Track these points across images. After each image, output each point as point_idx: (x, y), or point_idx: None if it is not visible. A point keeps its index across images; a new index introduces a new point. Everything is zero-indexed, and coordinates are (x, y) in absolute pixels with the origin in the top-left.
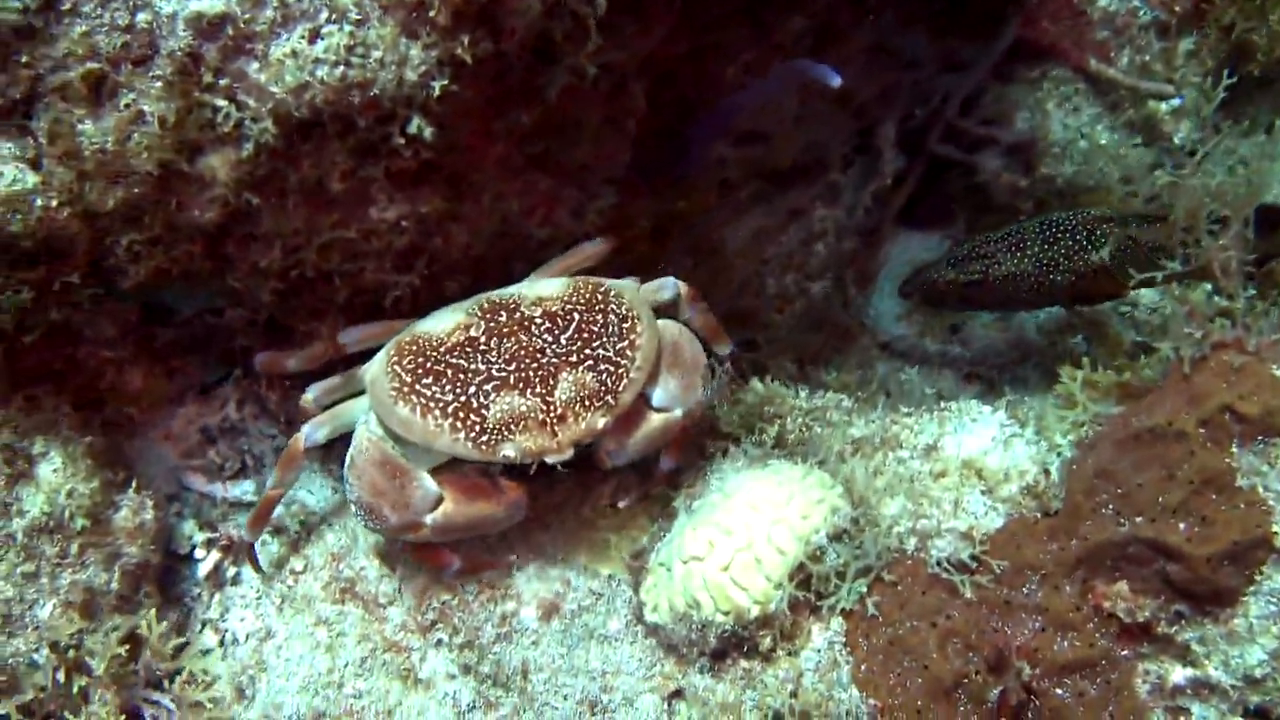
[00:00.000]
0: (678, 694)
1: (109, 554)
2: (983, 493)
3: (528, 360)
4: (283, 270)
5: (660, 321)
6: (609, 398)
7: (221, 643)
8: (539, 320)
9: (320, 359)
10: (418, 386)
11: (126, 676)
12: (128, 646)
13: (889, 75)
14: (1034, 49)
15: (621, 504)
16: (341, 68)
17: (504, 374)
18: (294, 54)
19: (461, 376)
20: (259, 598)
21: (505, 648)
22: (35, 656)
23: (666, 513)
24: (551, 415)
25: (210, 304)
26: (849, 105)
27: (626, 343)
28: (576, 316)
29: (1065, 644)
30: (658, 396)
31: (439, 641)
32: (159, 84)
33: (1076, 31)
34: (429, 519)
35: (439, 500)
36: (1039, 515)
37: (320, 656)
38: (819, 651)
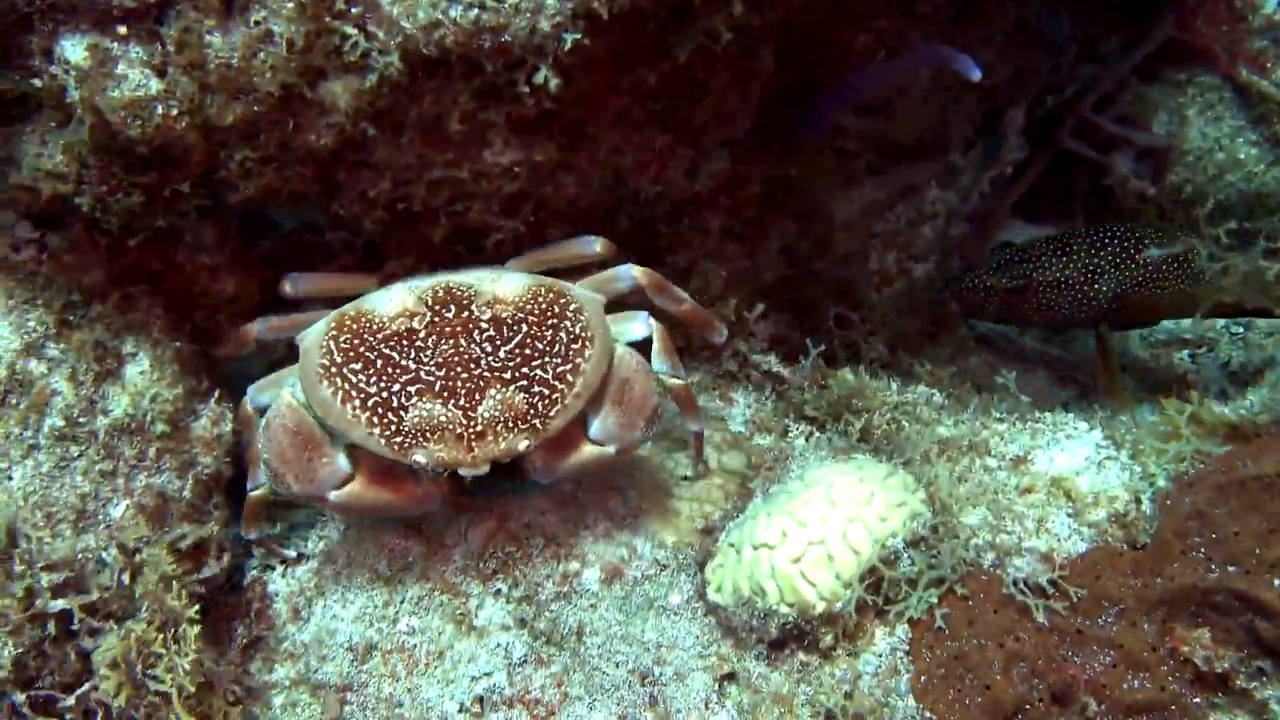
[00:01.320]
0: (730, 677)
1: (184, 461)
2: (1069, 515)
3: (459, 369)
4: (390, 201)
5: (620, 350)
6: (536, 422)
7: (283, 560)
8: (485, 325)
9: (354, 291)
10: (345, 370)
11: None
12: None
13: (1025, 58)
14: (1183, 51)
15: (689, 473)
16: (475, 10)
17: (431, 378)
18: None
19: (389, 370)
20: (326, 521)
21: (563, 606)
22: (104, 555)
23: (742, 491)
24: (470, 430)
25: (312, 221)
26: (979, 86)
27: (570, 366)
28: (524, 329)
29: (1136, 683)
30: (595, 428)
31: (498, 591)
32: (291, 5)
33: (1232, 37)
34: (333, 495)
35: (348, 478)
36: (1125, 546)
37: (379, 588)
38: (880, 656)
